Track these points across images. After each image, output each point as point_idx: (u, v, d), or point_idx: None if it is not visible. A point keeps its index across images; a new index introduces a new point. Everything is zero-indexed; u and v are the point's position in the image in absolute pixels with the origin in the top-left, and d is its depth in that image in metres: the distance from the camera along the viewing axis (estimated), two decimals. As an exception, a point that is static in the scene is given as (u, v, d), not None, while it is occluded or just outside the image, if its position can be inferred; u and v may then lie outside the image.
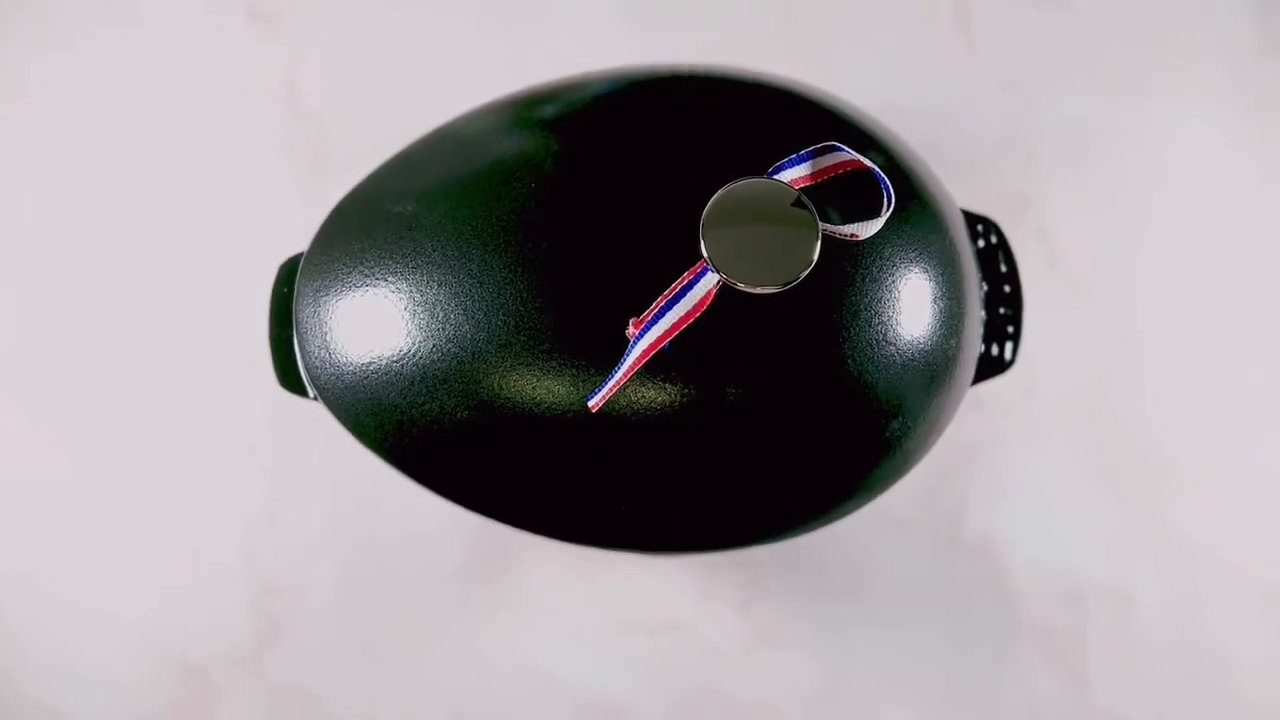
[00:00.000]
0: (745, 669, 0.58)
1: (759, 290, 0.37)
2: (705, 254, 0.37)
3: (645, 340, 0.38)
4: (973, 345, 0.44)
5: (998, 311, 0.48)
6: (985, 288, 0.48)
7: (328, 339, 0.42)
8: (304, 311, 0.43)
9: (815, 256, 0.37)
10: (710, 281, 0.38)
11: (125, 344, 0.59)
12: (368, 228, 0.42)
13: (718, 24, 0.62)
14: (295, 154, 0.60)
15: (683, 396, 0.39)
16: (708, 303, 0.38)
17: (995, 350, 0.48)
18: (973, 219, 0.48)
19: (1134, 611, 0.58)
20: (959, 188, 0.59)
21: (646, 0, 0.62)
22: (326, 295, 0.42)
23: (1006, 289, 0.48)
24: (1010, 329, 0.48)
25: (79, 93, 0.60)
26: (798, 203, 0.37)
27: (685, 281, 0.38)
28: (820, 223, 0.37)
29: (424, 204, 0.42)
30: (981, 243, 0.48)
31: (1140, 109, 0.62)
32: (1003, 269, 0.48)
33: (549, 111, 0.43)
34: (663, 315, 0.38)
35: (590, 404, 0.38)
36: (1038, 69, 0.62)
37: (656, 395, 0.39)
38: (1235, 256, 0.61)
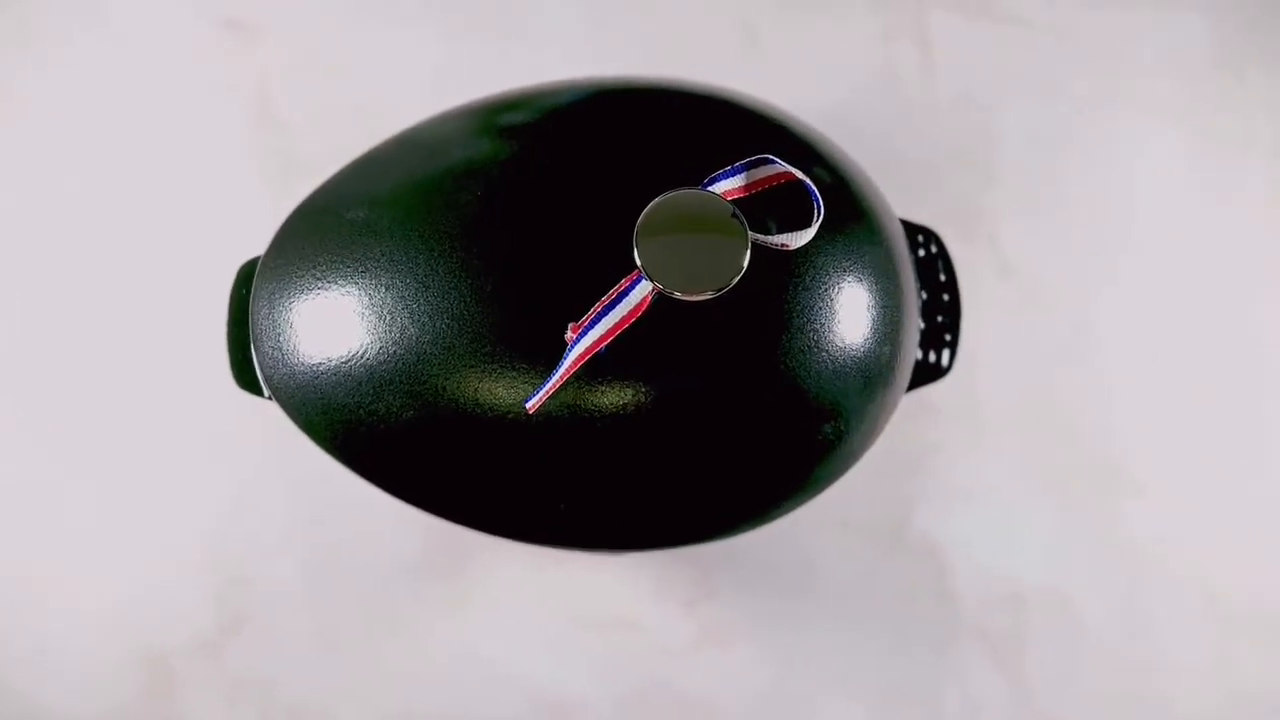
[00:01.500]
0: (693, 666, 0.59)
1: (692, 298, 0.39)
2: (638, 262, 0.38)
3: (582, 344, 0.39)
4: (909, 352, 0.46)
5: (936, 319, 0.49)
6: (924, 296, 0.49)
7: (280, 340, 0.43)
8: (259, 313, 0.44)
9: (745, 264, 0.38)
10: (645, 289, 0.39)
11: (94, 341, 0.60)
12: (321, 232, 0.44)
13: (679, 39, 0.63)
14: (267, 160, 0.61)
15: (619, 399, 0.40)
16: (643, 309, 0.39)
17: (933, 357, 0.49)
18: (913, 229, 0.50)
19: (1075, 615, 0.59)
20: (915, 200, 0.61)
21: (612, 15, 0.63)
22: (280, 297, 0.44)
23: (945, 298, 0.50)
24: (948, 336, 0.49)
25: (55, 97, 0.61)
26: (728, 213, 0.39)
27: (622, 288, 0.39)
28: (750, 232, 0.39)
29: (375, 210, 0.43)
30: (922, 252, 0.50)
31: (1095, 123, 0.63)
32: (942, 278, 0.50)
33: (499, 120, 0.45)
34: (599, 320, 0.39)
35: (528, 406, 0.40)
36: (994, 83, 0.63)
37: (593, 398, 0.40)
38: (1185, 268, 0.62)
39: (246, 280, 0.47)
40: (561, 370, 0.39)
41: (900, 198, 0.59)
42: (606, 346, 0.39)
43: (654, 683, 0.59)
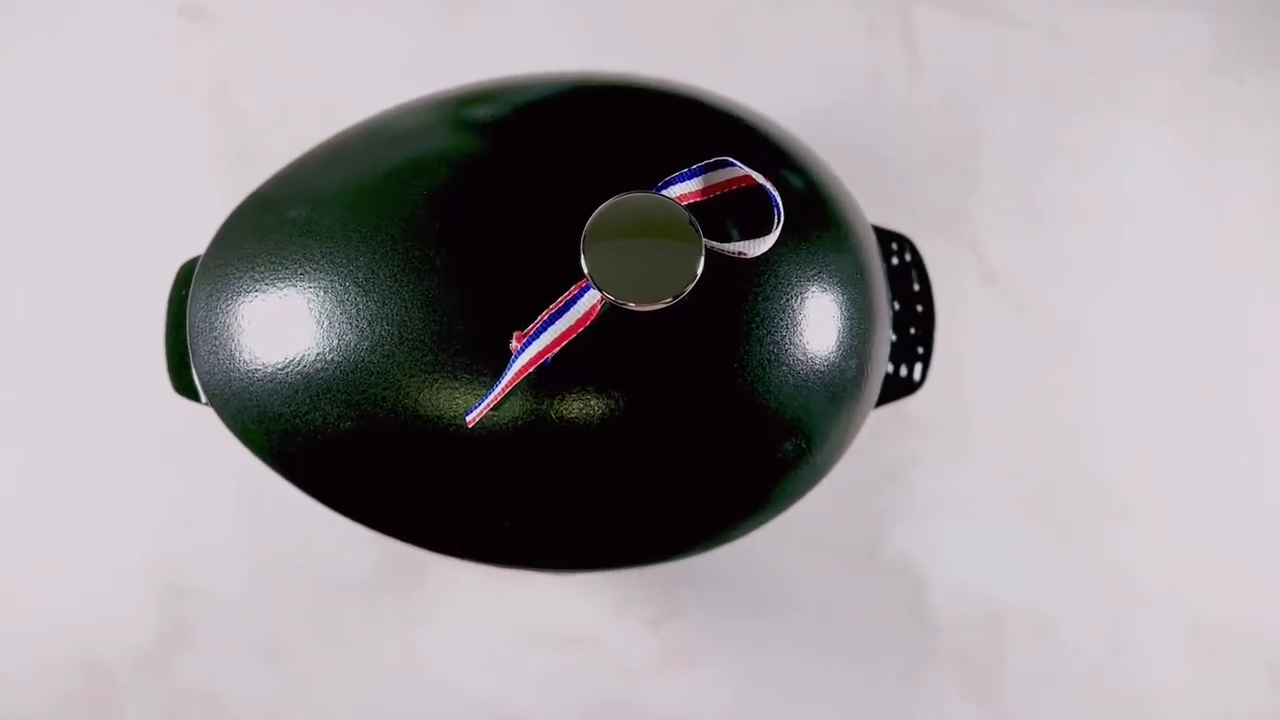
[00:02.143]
0: (655, 686, 0.57)
1: (641, 307, 0.37)
2: (585, 269, 0.36)
3: (526, 355, 0.37)
4: (878, 366, 0.43)
5: (908, 331, 0.47)
6: (896, 307, 0.47)
7: (216, 344, 0.42)
8: (196, 315, 0.42)
9: (698, 273, 0.36)
10: (593, 297, 0.37)
11: (38, 342, 0.58)
12: (262, 231, 0.42)
13: (657, 36, 0.61)
14: (224, 153, 0.59)
15: (567, 412, 0.38)
16: (591, 318, 0.37)
17: (904, 371, 0.47)
18: (887, 236, 0.48)
19: (1056, 637, 0.58)
20: (899, 203, 0.59)
21: (585, 10, 0.61)
22: (217, 299, 0.42)
23: (919, 309, 0.47)
24: (921, 349, 0.47)
25: (7, 88, 0.59)
26: (682, 218, 0.37)
27: (569, 296, 0.37)
28: (705, 239, 0.37)
29: (317, 209, 0.41)
30: (895, 260, 0.48)
31: (1089, 124, 0.61)
32: (916, 288, 0.47)
33: (450, 115, 0.43)
34: (545, 329, 0.37)
35: (468, 419, 0.38)
36: (983, 84, 0.61)
37: (540, 410, 0.38)
38: (1179, 275, 0.60)
39: (186, 281, 0.45)
40: (505, 381, 0.37)
41: (883, 201, 0.57)
42: (552, 357, 0.37)
43: (615, 702, 0.57)
